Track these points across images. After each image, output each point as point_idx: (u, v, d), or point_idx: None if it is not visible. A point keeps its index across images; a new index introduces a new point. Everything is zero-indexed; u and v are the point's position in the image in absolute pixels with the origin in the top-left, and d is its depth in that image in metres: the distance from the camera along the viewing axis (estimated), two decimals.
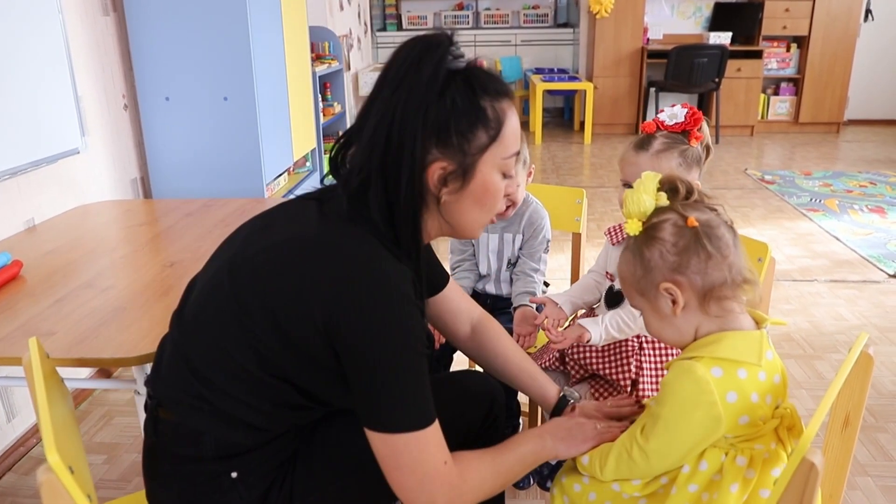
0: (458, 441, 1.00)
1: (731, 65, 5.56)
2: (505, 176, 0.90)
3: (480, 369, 1.25)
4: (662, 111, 1.32)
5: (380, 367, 0.79)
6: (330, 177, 0.93)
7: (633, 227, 0.88)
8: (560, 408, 1.14)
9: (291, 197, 0.95)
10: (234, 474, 0.89)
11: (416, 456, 0.82)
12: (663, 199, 0.88)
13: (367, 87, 5.53)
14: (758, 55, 5.70)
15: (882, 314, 2.57)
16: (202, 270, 0.95)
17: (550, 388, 1.16)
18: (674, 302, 0.87)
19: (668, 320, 0.89)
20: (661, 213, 0.88)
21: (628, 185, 1.33)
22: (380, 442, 0.82)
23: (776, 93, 5.99)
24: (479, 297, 1.69)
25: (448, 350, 1.60)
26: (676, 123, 1.28)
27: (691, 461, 0.87)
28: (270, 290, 0.81)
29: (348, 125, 4.07)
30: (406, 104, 0.81)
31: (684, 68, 5.44)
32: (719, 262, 0.85)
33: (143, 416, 0.98)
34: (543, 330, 1.39)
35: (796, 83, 5.92)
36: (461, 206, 0.88)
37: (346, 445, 0.96)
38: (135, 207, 2.02)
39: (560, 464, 1.11)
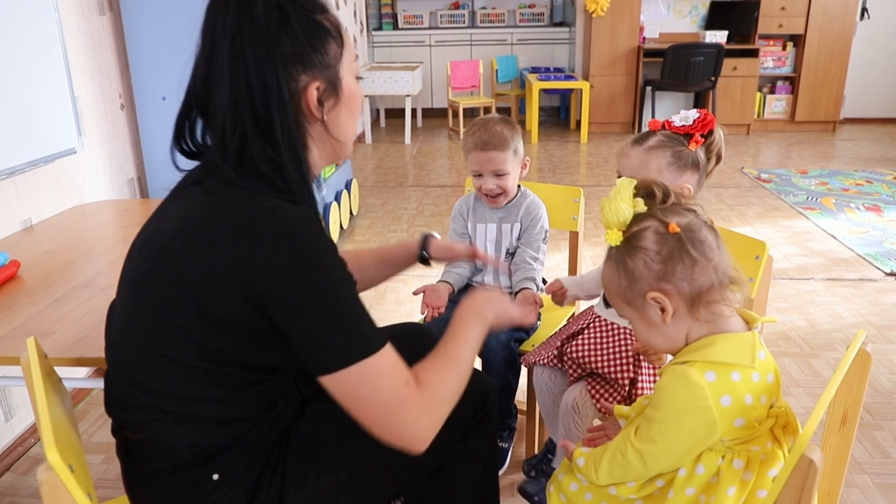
0: (452, 438, 1.02)
1: (728, 63, 5.57)
2: (357, 79, 0.93)
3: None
4: (678, 114, 1.32)
5: (311, 313, 0.78)
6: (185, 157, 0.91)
7: (614, 238, 0.87)
8: (425, 245, 1.32)
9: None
10: (215, 476, 0.87)
11: (372, 384, 0.79)
12: (641, 206, 0.87)
13: (363, 86, 5.52)
14: (754, 54, 5.71)
15: (879, 312, 2.58)
16: (116, 295, 0.94)
17: (408, 242, 1.33)
18: (662, 310, 0.86)
19: (658, 328, 0.89)
20: (640, 221, 0.87)
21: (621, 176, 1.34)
22: (335, 383, 0.80)
23: (772, 91, 6.00)
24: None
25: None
26: (684, 126, 1.27)
27: (688, 464, 0.87)
28: (183, 278, 0.80)
29: None
30: (255, 47, 0.80)
31: (680, 67, 5.44)
32: (705, 266, 0.84)
33: None
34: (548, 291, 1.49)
35: (792, 82, 5.94)
36: (340, 120, 0.90)
37: (337, 438, 0.96)
38: (132, 207, 2.01)
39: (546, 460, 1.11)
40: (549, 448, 1.53)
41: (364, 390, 0.80)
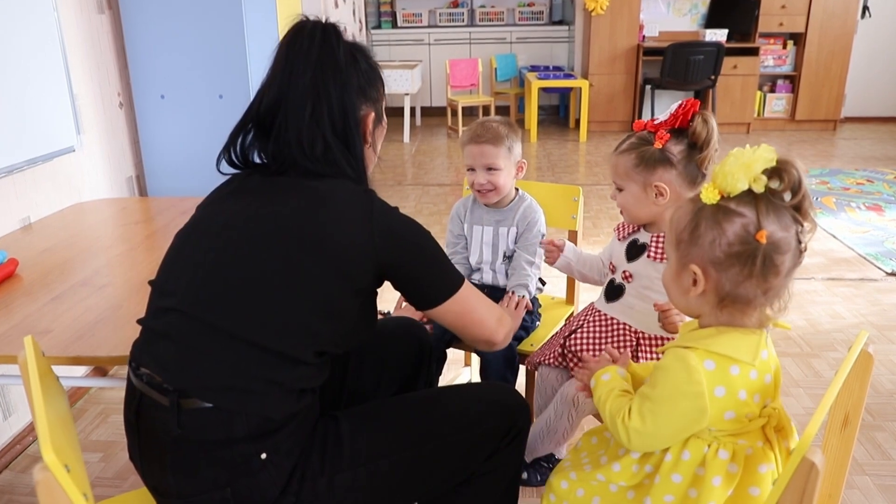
0: (479, 454, 1.07)
1: (728, 62, 5.56)
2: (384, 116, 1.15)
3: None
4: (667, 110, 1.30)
5: (428, 259, 1.03)
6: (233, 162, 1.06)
7: (710, 196, 0.83)
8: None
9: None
10: (263, 455, 0.90)
11: (477, 297, 1.10)
12: (760, 184, 0.80)
13: None
14: (754, 52, 5.70)
15: (879, 312, 2.58)
16: (190, 263, 0.97)
17: None
18: (695, 283, 0.86)
19: (682, 288, 0.89)
20: (743, 202, 0.81)
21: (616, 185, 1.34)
22: (452, 305, 1.05)
23: (772, 90, 6.00)
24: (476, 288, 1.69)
25: (442, 344, 1.60)
26: (659, 122, 1.27)
27: (674, 450, 0.88)
28: (316, 242, 0.93)
29: None
30: (335, 81, 1.00)
31: (680, 66, 5.44)
32: (758, 285, 0.83)
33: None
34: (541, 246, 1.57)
35: (793, 80, 5.93)
36: (377, 142, 1.13)
37: (357, 438, 0.99)
38: (130, 205, 2.01)
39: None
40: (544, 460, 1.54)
41: (474, 303, 1.09)
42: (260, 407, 0.90)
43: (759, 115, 5.99)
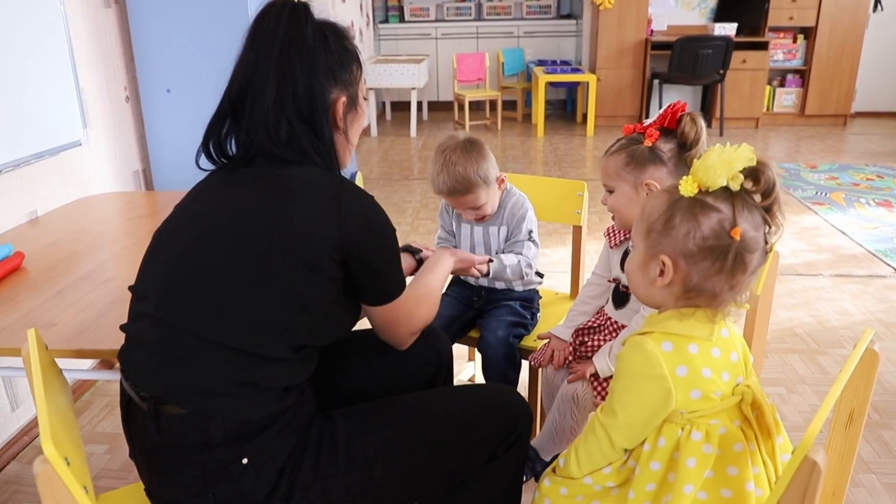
0: (476, 458, 1.04)
1: (737, 56, 5.50)
2: (364, 99, 1.09)
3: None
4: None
5: (390, 253, 1.00)
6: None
7: (689, 188, 0.84)
8: (419, 256, 1.40)
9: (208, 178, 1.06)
10: (244, 460, 0.88)
11: (406, 310, 1.06)
12: (737, 182, 0.82)
13: (369, 79, 5.51)
14: (763, 46, 5.64)
15: (888, 309, 2.56)
16: (160, 265, 0.95)
17: (406, 259, 1.36)
18: (661, 274, 0.86)
19: (646, 278, 0.89)
20: (720, 198, 0.82)
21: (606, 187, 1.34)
22: (387, 311, 1.03)
23: (782, 84, 5.94)
24: (473, 289, 1.68)
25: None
26: (649, 124, 1.28)
27: (650, 438, 0.88)
28: (282, 234, 0.90)
29: None
30: (302, 62, 0.95)
31: (688, 60, 5.39)
32: (726, 280, 0.84)
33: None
34: (555, 366, 1.43)
35: (802, 75, 5.87)
36: (353, 130, 1.07)
37: (352, 442, 0.96)
38: (136, 199, 2.01)
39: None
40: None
41: (402, 314, 1.06)
42: (236, 409, 0.88)
43: (768, 109, 5.93)
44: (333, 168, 1.00)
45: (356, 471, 0.95)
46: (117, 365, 2.31)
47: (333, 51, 0.98)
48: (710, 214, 0.82)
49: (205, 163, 1.02)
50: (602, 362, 1.30)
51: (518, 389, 1.67)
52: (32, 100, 1.81)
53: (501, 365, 1.55)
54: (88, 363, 2.06)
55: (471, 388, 1.24)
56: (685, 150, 1.24)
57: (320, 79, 0.96)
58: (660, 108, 6.49)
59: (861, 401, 0.87)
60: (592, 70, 5.98)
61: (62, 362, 1.06)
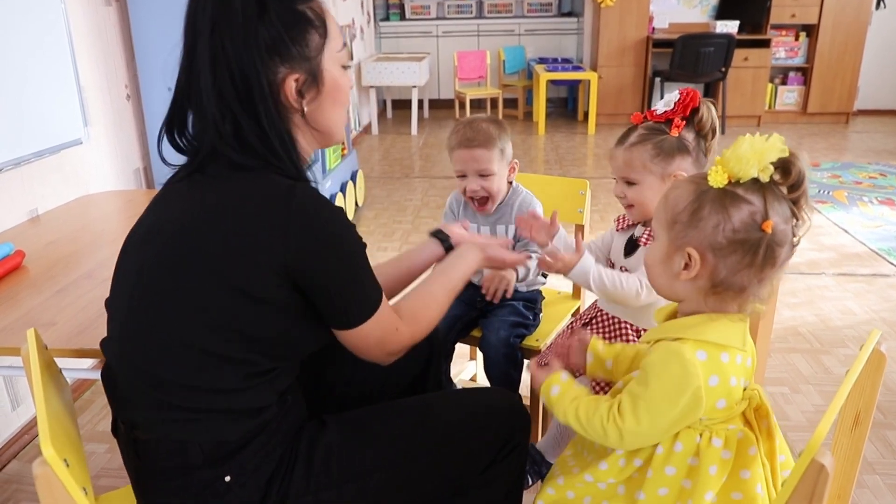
0: (473, 467, 1.00)
1: (738, 54, 5.48)
2: (344, 68, 0.93)
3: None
4: (662, 99, 1.30)
5: (342, 277, 0.86)
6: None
7: (718, 179, 0.81)
8: (448, 244, 1.25)
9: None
10: (227, 478, 0.85)
11: (378, 335, 0.92)
12: (767, 173, 0.80)
13: (370, 77, 5.50)
14: (765, 44, 5.62)
15: (892, 309, 2.55)
16: (114, 291, 0.92)
17: (429, 243, 1.27)
18: (686, 268, 0.84)
19: (669, 272, 0.87)
20: (751, 190, 0.80)
21: (615, 177, 1.32)
22: (352, 336, 0.90)
23: (784, 82, 5.92)
24: (476, 289, 1.67)
25: (450, 338, 1.59)
26: (666, 112, 1.26)
27: (666, 442, 0.87)
28: (215, 260, 0.81)
29: (351, 116, 4.01)
30: (233, 39, 0.82)
31: (690, 57, 5.37)
32: (755, 274, 0.82)
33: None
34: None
35: (805, 72, 5.85)
36: (323, 111, 0.91)
37: (347, 452, 0.94)
38: (137, 198, 2.01)
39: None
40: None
41: (372, 340, 0.92)
42: (210, 434, 0.84)
43: (770, 107, 5.92)
44: (289, 166, 0.86)
45: (351, 482, 0.92)
46: None
47: (275, 20, 0.83)
48: (741, 206, 0.80)
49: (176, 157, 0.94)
50: (582, 275, 1.22)
51: (520, 390, 1.67)
52: (33, 98, 1.80)
53: (502, 364, 1.54)
54: (88, 363, 2.06)
55: (468, 393, 1.16)
56: (702, 139, 1.23)
57: (254, 56, 0.82)
58: None
59: (867, 402, 0.87)
60: (594, 68, 5.96)
61: (62, 361, 1.05)
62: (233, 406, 0.85)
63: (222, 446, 0.85)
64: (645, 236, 1.31)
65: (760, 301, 0.85)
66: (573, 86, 6.46)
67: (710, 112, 1.23)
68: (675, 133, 1.22)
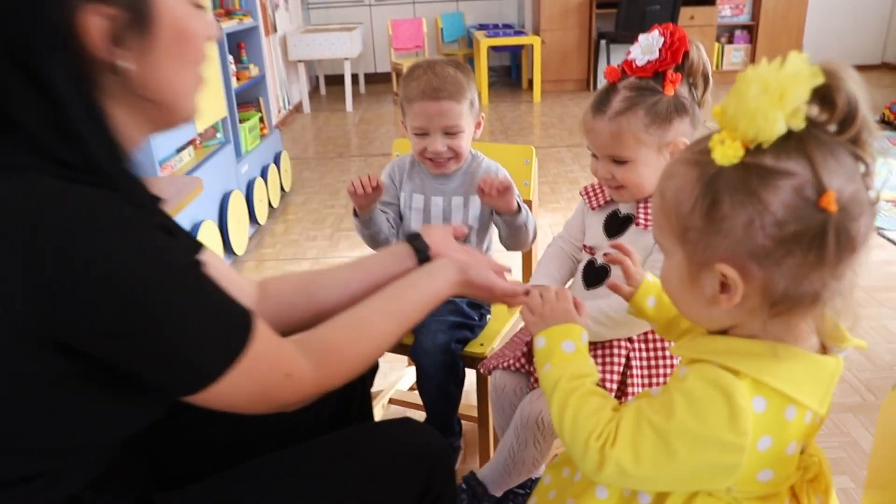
0: None
1: (685, 12, 5.30)
2: (197, 7, 0.63)
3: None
4: (637, 43, 0.97)
5: (147, 325, 0.55)
6: None
7: (729, 153, 0.52)
8: (424, 255, 0.94)
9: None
10: None
11: (251, 390, 0.62)
12: (800, 118, 0.51)
13: (297, 50, 5.07)
14: (711, 2, 5.48)
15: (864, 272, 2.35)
16: None
17: (399, 249, 0.95)
18: (724, 290, 0.55)
19: (699, 296, 0.57)
20: (783, 154, 0.51)
21: (594, 154, 1.02)
22: (209, 398, 0.60)
23: (730, 41, 5.79)
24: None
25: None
26: (650, 61, 0.95)
27: (677, 500, 0.61)
28: None
29: (269, 90, 3.60)
30: None
31: (635, 17, 5.17)
32: (827, 273, 0.52)
33: None
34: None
35: (751, 30, 5.73)
36: (157, 68, 0.60)
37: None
38: None
39: None
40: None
41: (245, 389, 0.62)
42: None
43: (717, 67, 5.77)
44: (91, 160, 0.56)
45: None
46: None
47: None
48: (778, 184, 0.51)
49: None
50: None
51: (461, 407, 1.37)
52: None
53: (440, 377, 1.24)
54: None
55: (370, 433, 0.86)
56: (695, 90, 0.96)
57: None
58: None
59: None
60: (536, 32, 5.68)
61: None
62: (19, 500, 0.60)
63: None
64: (642, 213, 1.01)
65: (836, 312, 0.55)
66: (516, 52, 6.18)
67: (699, 53, 0.95)
68: (669, 91, 0.94)
